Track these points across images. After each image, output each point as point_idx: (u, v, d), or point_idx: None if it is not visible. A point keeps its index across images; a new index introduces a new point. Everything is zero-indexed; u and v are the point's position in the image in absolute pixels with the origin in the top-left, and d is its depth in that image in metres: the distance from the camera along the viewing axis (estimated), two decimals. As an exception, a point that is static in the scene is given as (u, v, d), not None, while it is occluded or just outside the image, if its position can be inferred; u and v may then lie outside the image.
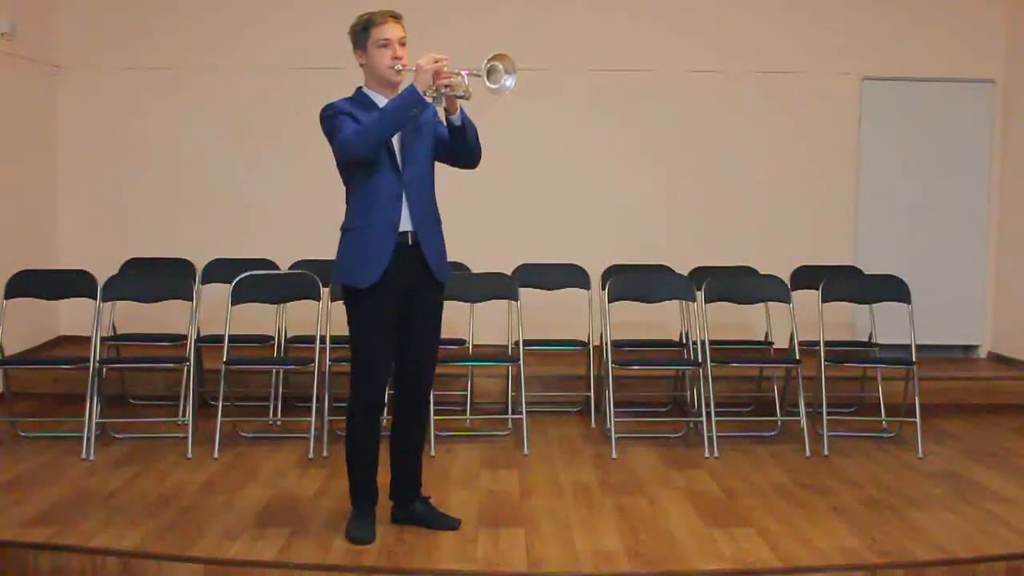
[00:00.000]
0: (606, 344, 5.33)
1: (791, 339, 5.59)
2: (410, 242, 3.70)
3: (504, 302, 5.69)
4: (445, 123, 3.72)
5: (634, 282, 5.61)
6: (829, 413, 5.30)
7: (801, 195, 7.06)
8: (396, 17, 3.70)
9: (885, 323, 5.94)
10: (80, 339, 5.75)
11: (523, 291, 5.60)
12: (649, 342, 5.96)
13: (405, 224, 3.69)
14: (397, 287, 3.69)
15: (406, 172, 3.70)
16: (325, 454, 4.97)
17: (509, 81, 3.51)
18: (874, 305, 5.89)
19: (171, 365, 5.63)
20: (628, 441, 5.28)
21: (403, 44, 3.69)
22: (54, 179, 6.96)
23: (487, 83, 3.49)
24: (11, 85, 6.37)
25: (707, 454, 5.06)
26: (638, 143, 7.03)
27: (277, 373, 5.65)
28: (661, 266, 6.09)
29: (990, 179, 7.13)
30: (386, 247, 3.66)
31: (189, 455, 4.89)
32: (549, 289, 6.00)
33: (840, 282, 5.79)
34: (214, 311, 5.73)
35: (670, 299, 5.62)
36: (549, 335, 5.76)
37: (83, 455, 4.84)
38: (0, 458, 4.86)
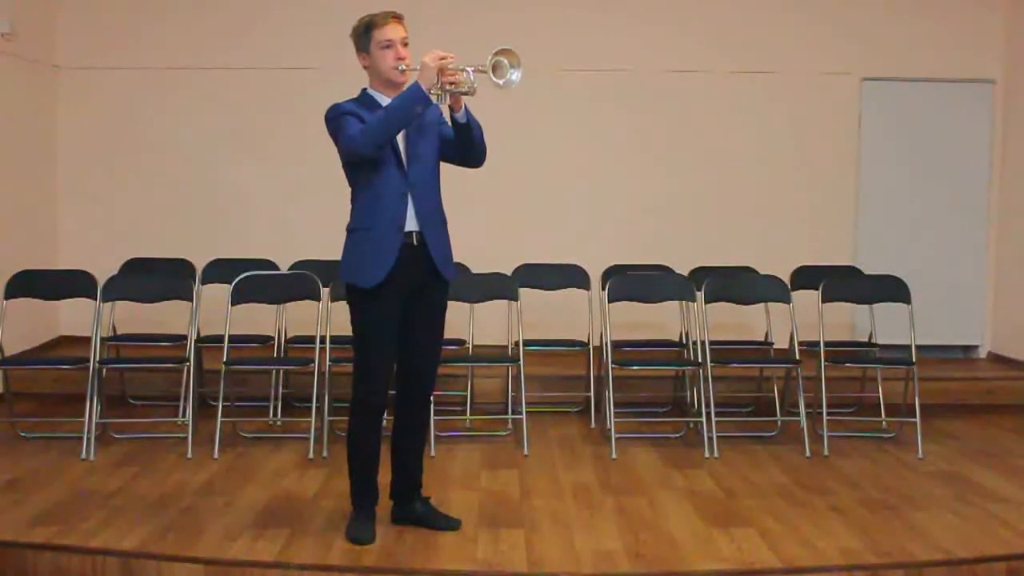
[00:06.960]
0: (606, 344, 5.33)
1: (791, 339, 5.59)
2: (415, 242, 3.69)
3: (504, 302, 5.68)
4: (450, 122, 3.71)
5: (634, 282, 5.61)
6: (829, 413, 5.31)
7: (801, 195, 7.07)
8: (398, 17, 3.69)
9: (885, 323, 5.94)
10: (80, 339, 5.75)
11: (523, 291, 5.60)
12: (649, 342, 5.95)
13: (411, 224, 3.68)
14: (401, 287, 3.68)
15: (412, 172, 3.69)
16: (325, 454, 4.97)
17: (515, 75, 3.47)
18: (874, 305, 5.89)
19: (171, 365, 5.63)
20: (628, 441, 5.28)
21: (406, 44, 3.69)
22: (54, 179, 6.96)
23: (493, 78, 3.45)
24: (11, 85, 6.37)
25: (707, 454, 5.06)
26: (638, 143, 7.03)
27: (277, 373, 5.66)
28: (661, 266, 6.09)
29: (990, 179, 7.13)
30: (392, 247, 3.65)
31: (189, 455, 4.89)
32: (549, 289, 6.00)
33: (840, 282, 5.78)
34: (214, 311, 5.72)
35: (670, 299, 5.62)
36: (549, 335, 5.76)
37: (83, 455, 4.84)
38: (0, 458, 4.86)
